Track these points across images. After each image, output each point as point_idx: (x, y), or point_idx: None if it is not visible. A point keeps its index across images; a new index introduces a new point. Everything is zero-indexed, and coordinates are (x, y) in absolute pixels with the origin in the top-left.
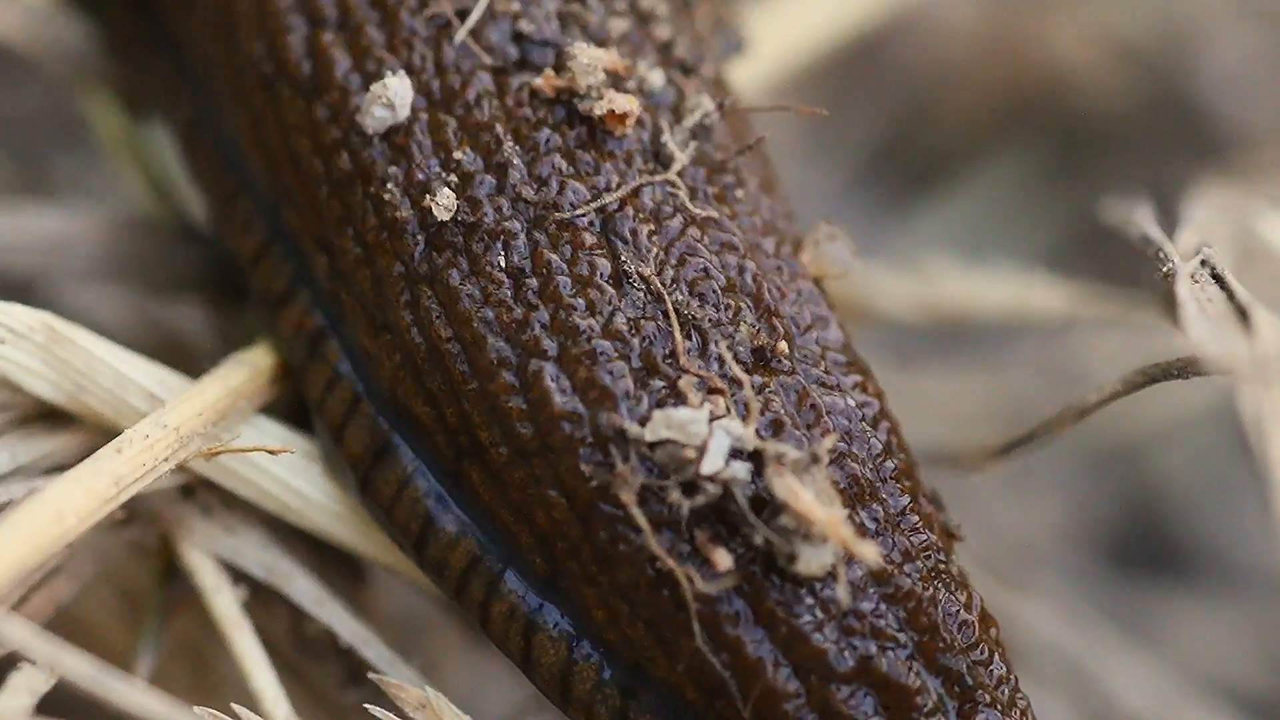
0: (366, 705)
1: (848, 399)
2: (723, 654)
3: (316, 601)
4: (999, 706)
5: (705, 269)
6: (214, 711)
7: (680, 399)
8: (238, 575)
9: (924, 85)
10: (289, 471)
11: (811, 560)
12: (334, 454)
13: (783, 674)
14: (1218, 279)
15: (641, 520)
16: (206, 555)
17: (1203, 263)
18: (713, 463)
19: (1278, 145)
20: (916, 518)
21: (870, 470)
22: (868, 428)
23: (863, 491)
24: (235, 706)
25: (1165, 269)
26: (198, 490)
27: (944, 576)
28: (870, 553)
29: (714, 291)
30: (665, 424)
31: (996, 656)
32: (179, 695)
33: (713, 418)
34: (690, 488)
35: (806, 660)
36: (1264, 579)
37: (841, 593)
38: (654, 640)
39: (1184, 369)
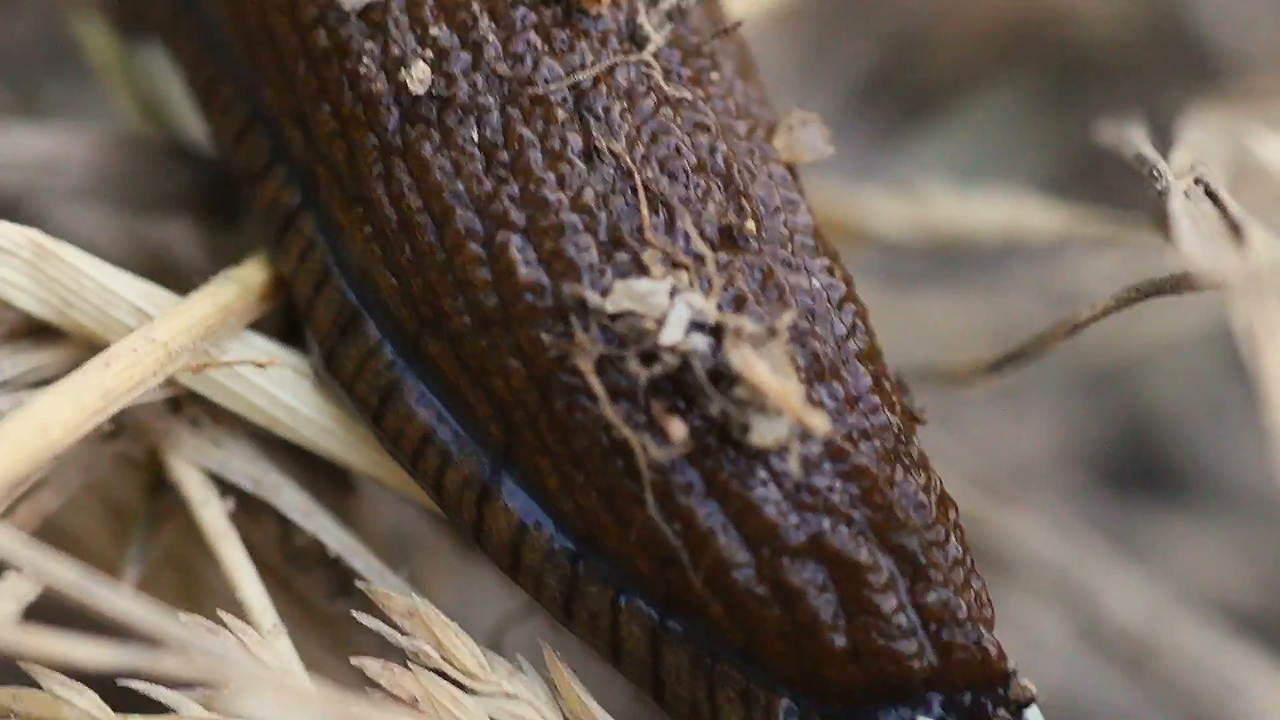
0: (354, 613)
1: (813, 280)
2: (675, 524)
3: (304, 513)
4: (952, 588)
5: (676, 147)
6: (201, 618)
7: (644, 272)
8: (225, 487)
9: (919, 14)
10: (277, 386)
11: (765, 432)
12: (313, 349)
13: (734, 545)
14: (1211, 196)
15: (598, 388)
16: (194, 467)
17: (1196, 180)
18: (672, 334)
19: (1273, 71)
20: (877, 399)
21: (832, 349)
22: (832, 309)
23: (823, 370)
24: (221, 613)
25: (1159, 186)
26: (185, 404)
27: (903, 457)
28: (820, 423)
29: (684, 170)
30: (626, 294)
31: (953, 539)
32: (166, 605)
33: (675, 291)
34: (649, 358)
35: (758, 532)
36: (1257, 498)
37: (793, 465)
38: (606, 509)
39: (1177, 284)
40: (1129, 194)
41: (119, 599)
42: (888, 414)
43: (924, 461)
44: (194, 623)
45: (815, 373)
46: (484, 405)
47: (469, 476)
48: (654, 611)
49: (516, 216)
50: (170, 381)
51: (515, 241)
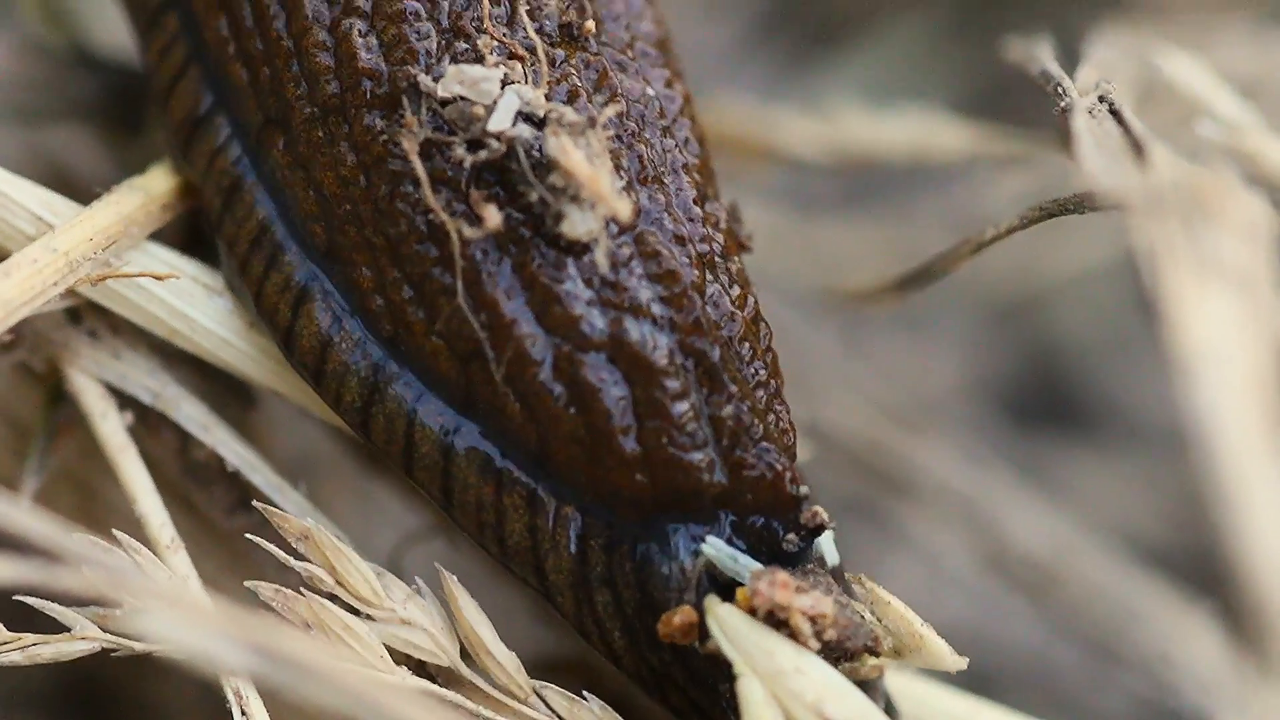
0: (249, 535)
1: (649, 88)
2: (481, 314)
3: (203, 426)
4: (749, 405)
5: None
6: (95, 538)
7: (480, 62)
8: (124, 400)
9: None
10: (178, 296)
11: (577, 222)
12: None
13: (536, 337)
14: (1115, 114)
15: (420, 170)
16: (93, 379)
17: (1101, 98)
18: (499, 121)
19: None
20: (699, 210)
21: (658, 155)
22: (666, 119)
23: (646, 174)
24: (117, 533)
25: (1064, 104)
26: (85, 315)
27: (719, 271)
28: (625, 209)
29: None
30: (458, 79)
31: (760, 360)
32: (64, 520)
33: (506, 80)
34: (475, 145)
35: (560, 325)
36: (1162, 432)
37: (601, 258)
38: (416, 301)
39: (1080, 204)
40: (1038, 116)
41: (16, 513)
42: (708, 228)
43: (743, 281)
44: (91, 539)
45: (638, 175)
46: (311, 203)
47: (288, 279)
48: (451, 414)
49: (362, 3)
50: (70, 292)
51: (359, 27)
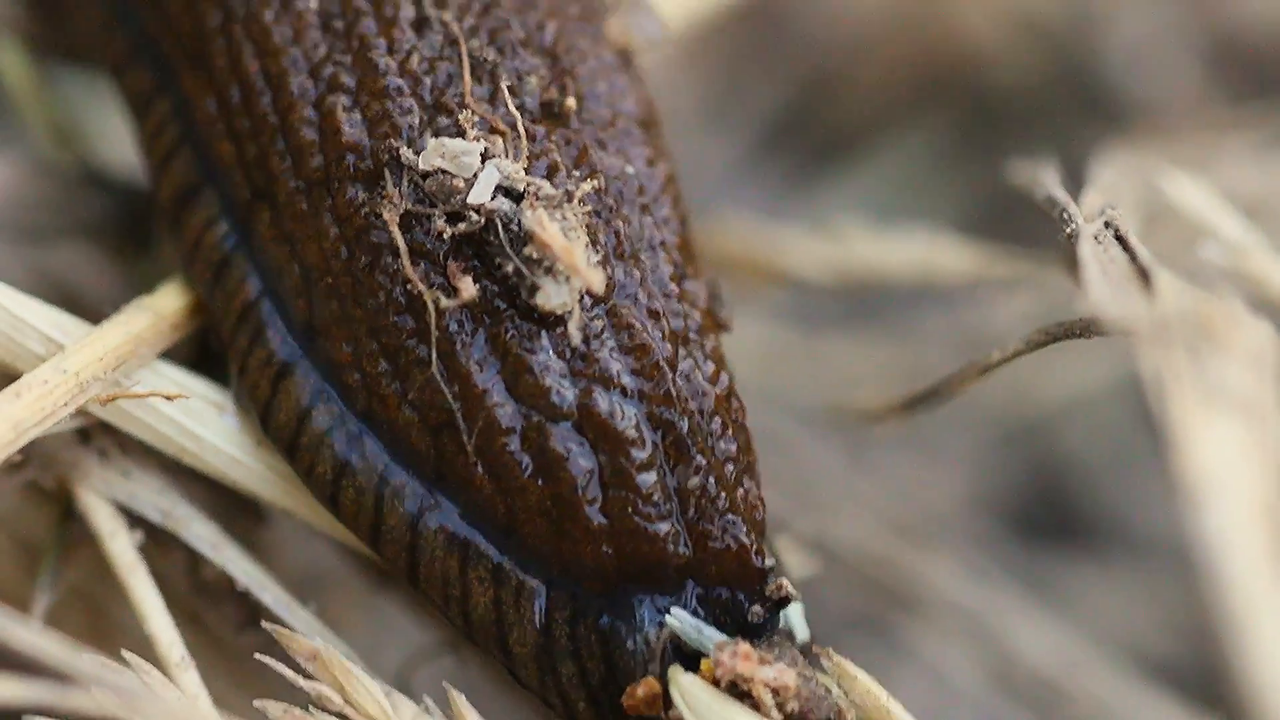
0: (258, 655)
1: (628, 166)
2: (454, 384)
3: (213, 545)
4: (715, 478)
5: (505, 21)
6: (105, 658)
7: (462, 137)
8: (134, 520)
9: (830, 56)
10: (187, 415)
11: (551, 294)
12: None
13: (506, 406)
14: (1121, 240)
15: (400, 241)
16: (103, 499)
17: (1106, 224)
18: (479, 194)
19: (1181, 113)
20: (676, 287)
21: (635, 231)
22: (646, 197)
23: (623, 250)
24: (126, 654)
25: (1069, 229)
26: (95, 435)
27: (692, 346)
28: (597, 280)
29: (510, 44)
30: (439, 152)
31: (730, 435)
32: (74, 639)
33: (487, 154)
34: (454, 217)
35: (530, 395)
36: (1165, 547)
37: (574, 330)
38: (391, 374)
39: (1086, 329)
40: (1041, 237)
41: (27, 633)
42: (684, 305)
43: (718, 358)
44: (101, 660)
45: (614, 250)
46: (295, 277)
47: (271, 354)
48: (420, 487)
49: (347, 80)
50: (81, 412)
51: (343, 102)
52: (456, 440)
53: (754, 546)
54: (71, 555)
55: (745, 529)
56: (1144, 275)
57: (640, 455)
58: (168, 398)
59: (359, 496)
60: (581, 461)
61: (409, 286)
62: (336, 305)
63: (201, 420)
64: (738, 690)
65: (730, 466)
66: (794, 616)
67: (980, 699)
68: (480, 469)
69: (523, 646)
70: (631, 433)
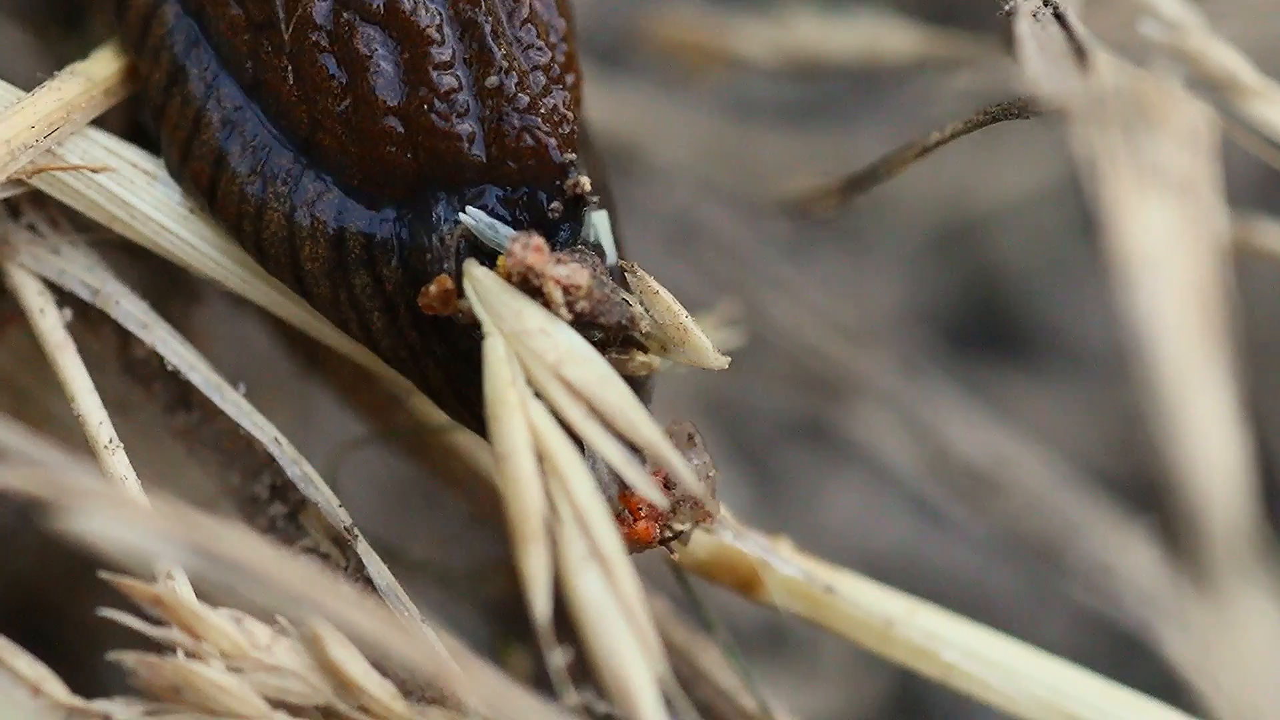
0: (101, 609)
1: None
2: None
3: (142, 324)
4: (517, 78)
5: None
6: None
7: None
8: (64, 297)
9: None
10: (118, 184)
11: None
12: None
13: (322, 4)
14: (1059, 17)
15: None
16: (32, 275)
17: (1045, 1)
18: None
19: None
20: None
21: None
22: None
23: None
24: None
25: (1007, 5)
26: (25, 210)
27: None
28: None
29: None
30: None
31: (545, 47)
32: None
33: None
34: None
35: None
36: (1101, 358)
37: None
38: None
39: (1023, 109)
40: (987, 23)
41: None
42: None
43: None
44: (31, 436)
45: None
46: None
47: None
48: (239, 96)
49: None
50: (12, 181)
51: None
52: (274, 40)
53: (553, 141)
54: None
55: (546, 130)
56: (1081, 53)
57: (440, 54)
58: (95, 170)
59: (184, 107)
60: (385, 65)
61: None
62: None
63: (132, 188)
64: (529, 286)
65: (540, 76)
66: (603, 235)
67: (914, 498)
68: (289, 75)
69: (314, 261)
70: (433, 32)
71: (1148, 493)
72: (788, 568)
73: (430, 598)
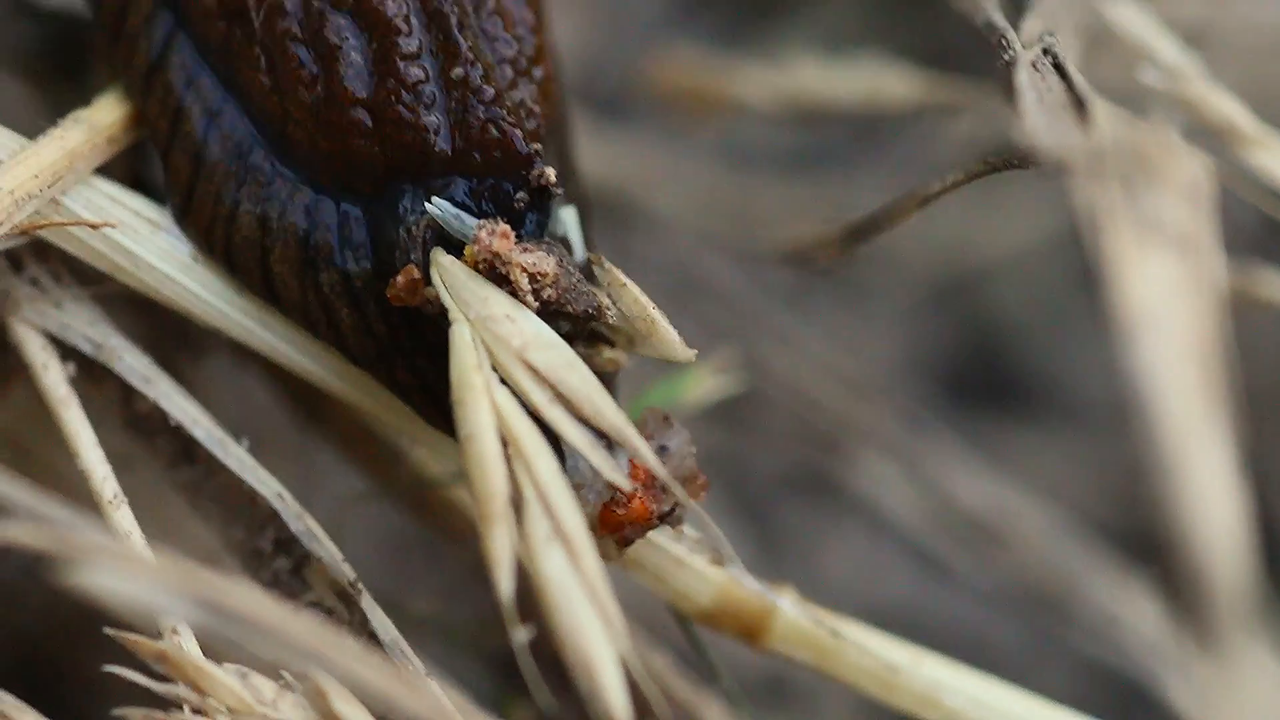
0: (107, 668)
1: None
2: None
3: (146, 378)
4: (483, 71)
5: None
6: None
7: None
8: (67, 352)
9: None
10: (122, 233)
11: None
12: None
13: None
14: (1058, 68)
15: None
16: (35, 330)
17: (1045, 50)
18: None
19: None
20: None
21: None
22: None
23: None
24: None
25: (1007, 56)
26: (27, 262)
27: None
28: None
29: None
30: None
31: (513, 40)
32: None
33: None
34: None
35: None
36: (1101, 410)
37: None
38: None
39: (1022, 160)
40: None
41: None
42: None
43: None
44: (36, 493)
45: None
46: None
47: None
48: (217, 91)
49: None
50: (17, 231)
51: None
52: (247, 29)
53: (519, 132)
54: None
55: (511, 121)
56: (1080, 105)
57: (407, 45)
58: (94, 226)
59: (165, 96)
60: (354, 55)
61: None
62: None
63: (136, 237)
64: (496, 274)
65: (507, 69)
66: (571, 230)
67: (915, 551)
68: (262, 65)
69: (284, 263)
70: (400, 22)
71: (1149, 545)
72: (794, 611)
73: (433, 651)
